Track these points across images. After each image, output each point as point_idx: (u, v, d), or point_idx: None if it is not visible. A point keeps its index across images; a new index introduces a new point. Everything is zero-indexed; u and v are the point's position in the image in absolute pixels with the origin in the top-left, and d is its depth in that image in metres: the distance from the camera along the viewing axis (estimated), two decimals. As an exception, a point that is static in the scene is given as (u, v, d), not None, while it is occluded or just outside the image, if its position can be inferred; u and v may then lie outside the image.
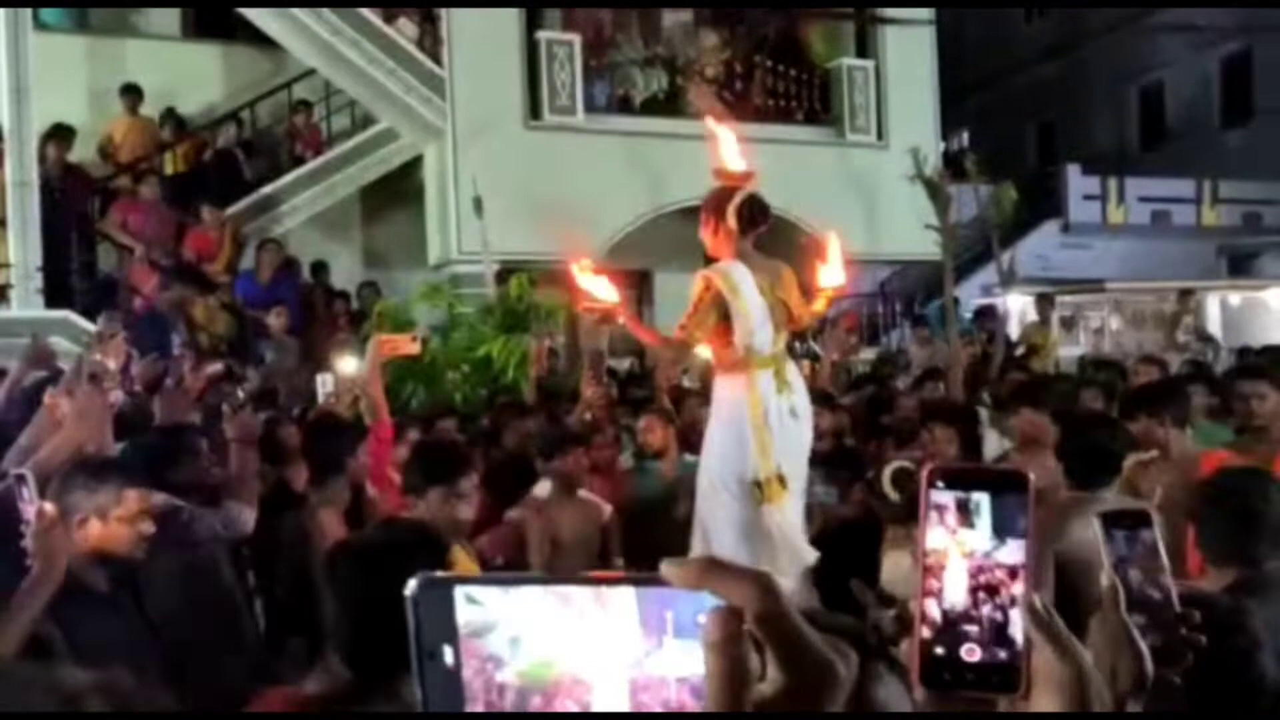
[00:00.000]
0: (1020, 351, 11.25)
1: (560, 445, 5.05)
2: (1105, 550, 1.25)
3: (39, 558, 2.53)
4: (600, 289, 4.66)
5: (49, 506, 2.56)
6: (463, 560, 3.71)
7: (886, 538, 4.25)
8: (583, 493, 5.02)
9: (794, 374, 4.54)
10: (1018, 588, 0.80)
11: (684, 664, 0.66)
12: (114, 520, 2.92)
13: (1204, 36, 21.10)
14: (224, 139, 12.35)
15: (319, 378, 5.93)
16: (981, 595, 0.80)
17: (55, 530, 2.56)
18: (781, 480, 4.37)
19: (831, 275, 4.75)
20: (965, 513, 0.82)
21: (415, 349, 5.20)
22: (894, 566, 3.95)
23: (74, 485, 2.92)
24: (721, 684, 0.63)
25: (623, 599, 0.67)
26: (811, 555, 4.37)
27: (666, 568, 0.66)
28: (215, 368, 6.73)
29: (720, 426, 4.49)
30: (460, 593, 0.68)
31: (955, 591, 0.81)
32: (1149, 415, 4.31)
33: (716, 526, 4.42)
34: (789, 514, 4.42)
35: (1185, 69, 21.79)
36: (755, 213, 4.44)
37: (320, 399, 5.80)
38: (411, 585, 0.68)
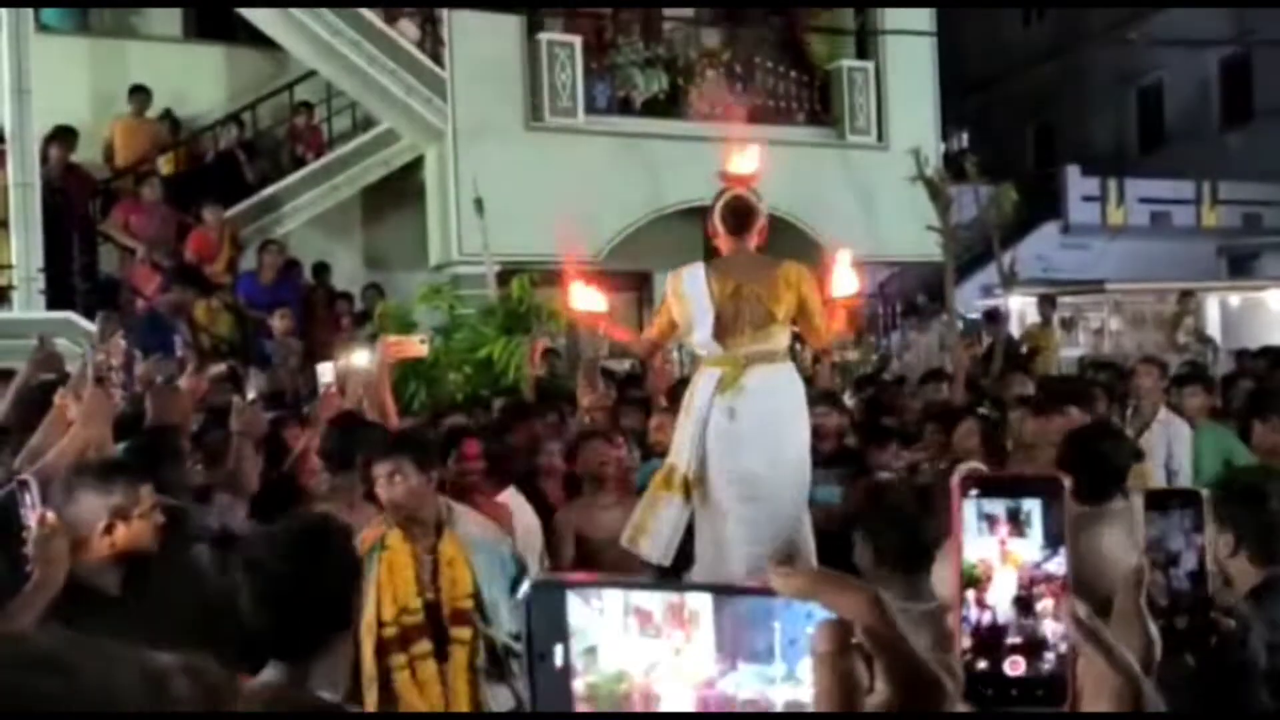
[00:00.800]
0: (1023, 352, 11.29)
1: (578, 445, 5.13)
2: (1141, 531, 1.25)
3: (39, 564, 2.54)
4: (588, 299, 4.77)
5: (51, 514, 2.57)
6: (395, 542, 3.71)
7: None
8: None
9: (757, 377, 4.30)
10: (1062, 597, 0.79)
11: (754, 686, 0.66)
12: (136, 519, 2.93)
13: (1202, 37, 21.12)
14: (225, 140, 12.37)
15: (318, 367, 5.93)
16: (1025, 607, 0.79)
17: (56, 537, 2.57)
18: (687, 481, 4.30)
19: (843, 284, 4.67)
20: (1016, 522, 0.80)
21: (422, 351, 5.21)
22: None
23: (84, 490, 2.89)
24: (830, 697, 0.63)
25: (702, 613, 0.67)
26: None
27: (775, 578, 0.66)
28: (219, 369, 6.74)
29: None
30: (571, 596, 0.68)
31: (1002, 603, 0.79)
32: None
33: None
34: (677, 512, 4.34)
35: (1184, 71, 21.82)
36: (733, 214, 4.41)
37: (320, 389, 5.80)
38: (525, 588, 0.68)
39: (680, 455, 4.38)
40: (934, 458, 5.47)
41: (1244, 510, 2.80)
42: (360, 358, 5.36)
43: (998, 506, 0.79)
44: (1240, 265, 20.31)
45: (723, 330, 4.34)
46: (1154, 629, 0.99)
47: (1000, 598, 0.80)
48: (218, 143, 12.40)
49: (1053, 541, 0.79)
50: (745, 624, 0.66)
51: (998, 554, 0.79)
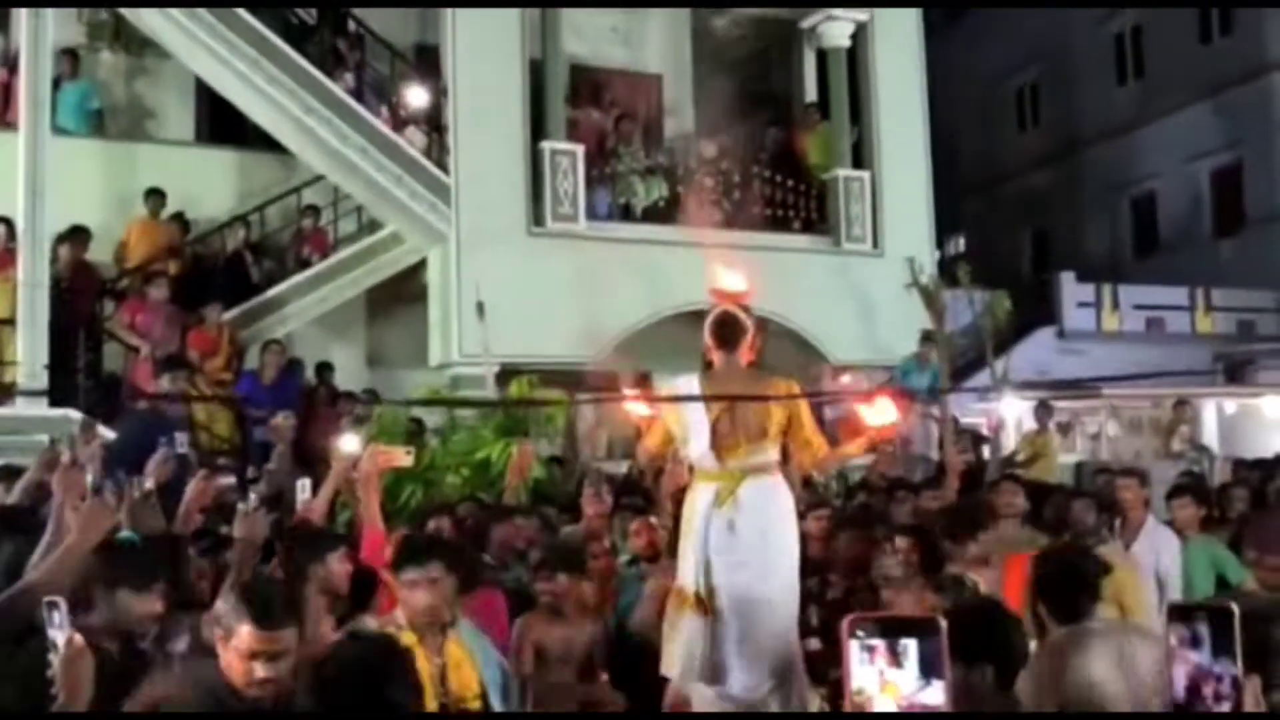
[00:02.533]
0: (1021, 458, 11.32)
1: (553, 568, 5.17)
2: (1167, 641, 1.28)
3: (65, 686, 2.55)
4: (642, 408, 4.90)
5: (78, 636, 2.61)
6: (411, 647, 3.78)
7: None
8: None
9: (752, 489, 4.35)
10: None
11: None
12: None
13: (1194, 148, 21.56)
14: (233, 241, 12.60)
15: (298, 483, 5.98)
16: None
17: (83, 658, 2.59)
18: (701, 600, 4.32)
19: (880, 414, 4.64)
20: (894, 655, 0.92)
21: (408, 462, 5.29)
22: None
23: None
24: None
25: None
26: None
27: None
28: (228, 480, 6.81)
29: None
30: None
31: None
32: None
33: None
34: (699, 631, 4.34)
35: (1177, 179, 22.21)
36: (721, 328, 4.51)
37: (299, 505, 5.85)
38: None
39: (687, 576, 4.42)
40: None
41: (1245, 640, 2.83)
42: (349, 444, 5.42)
43: (878, 642, 0.92)
44: (1236, 372, 20.43)
45: (719, 443, 4.40)
46: None
47: None
48: (225, 244, 12.63)
49: (928, 673, 0.91)
50: None
51: (877, 683, 0.91)
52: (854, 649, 0.93)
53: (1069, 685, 3.52)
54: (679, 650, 4.35)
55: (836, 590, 5.52)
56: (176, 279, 11.52)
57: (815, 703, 4.25)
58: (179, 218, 12.49)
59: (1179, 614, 1.30)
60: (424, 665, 3.81)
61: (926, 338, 12.31)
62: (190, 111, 13.67)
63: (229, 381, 10.97)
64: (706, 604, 4.32)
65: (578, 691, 5.00)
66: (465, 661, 3.99)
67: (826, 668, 4.69)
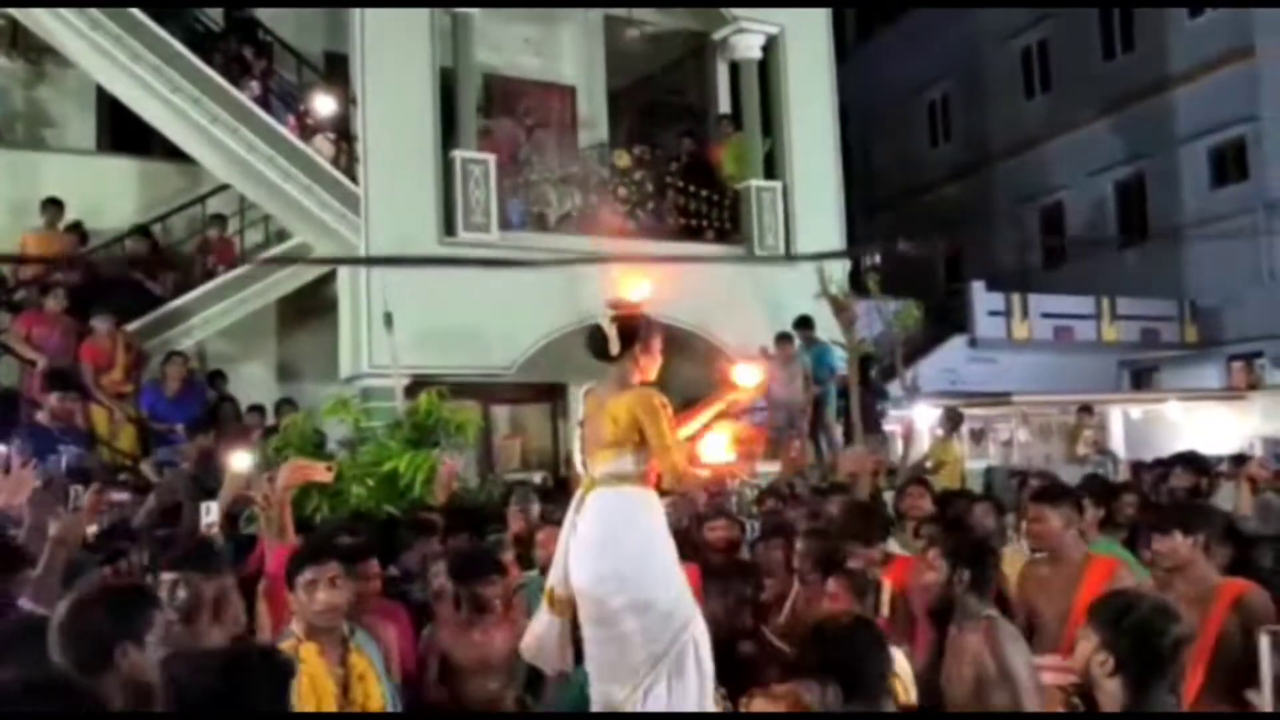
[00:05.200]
0: (929, 465, 11.47)
1: (480, 570, 5.12)
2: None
3: None
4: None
5: None
6: (311, 658, 3.75)
7: None
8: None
9: (600, 497, 4.33)
10: None
11: None
12: None
13: (1099, 161, 22.14)
14: (132, 251, 12.32)
15: (203, 505, 5.86)
16: None
17: None
18: (550, 594, 4.41)
19: (746, 376, 4.76)
20: None
21: (328, 478, 5.21)
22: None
23: None
24: None
25: None
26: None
27: None
28: (122, 496, 6.67)
29: None
30: None
31: None
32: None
33: None
34: (555, 629, 4.42)
35: (1083, 191, 22.78)
36: (591, 342, 4.52)
37: (203, 527, 5.73)
38: None
39: (551, 573, 4.48)
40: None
41: (1132, 643, 2.92)
42: (240, 462, 5.35)
43: None
44: (1141, 378, 21.00)
45: (584, 450, 4.47)
46: None
47: None
48: (125, 254, 12.34)
49: None
50: None
51: None
52: None
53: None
54: (536, 642, 4.44)
55: (768, 594, 5.57)
56: (74, 290, 11.22)
57: (700, 702, 4.22)
58: (77, 227, 12.19)
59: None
60: (323, 677, 3.75)
61: (803, 322, 12.53)
62: (91, 119, 13.37)
63: (129, 394, 10.71)
64: (560, 604, 4.36)
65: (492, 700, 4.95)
66: (369, 673, 3.96)
67: (759, 671, 4.72)
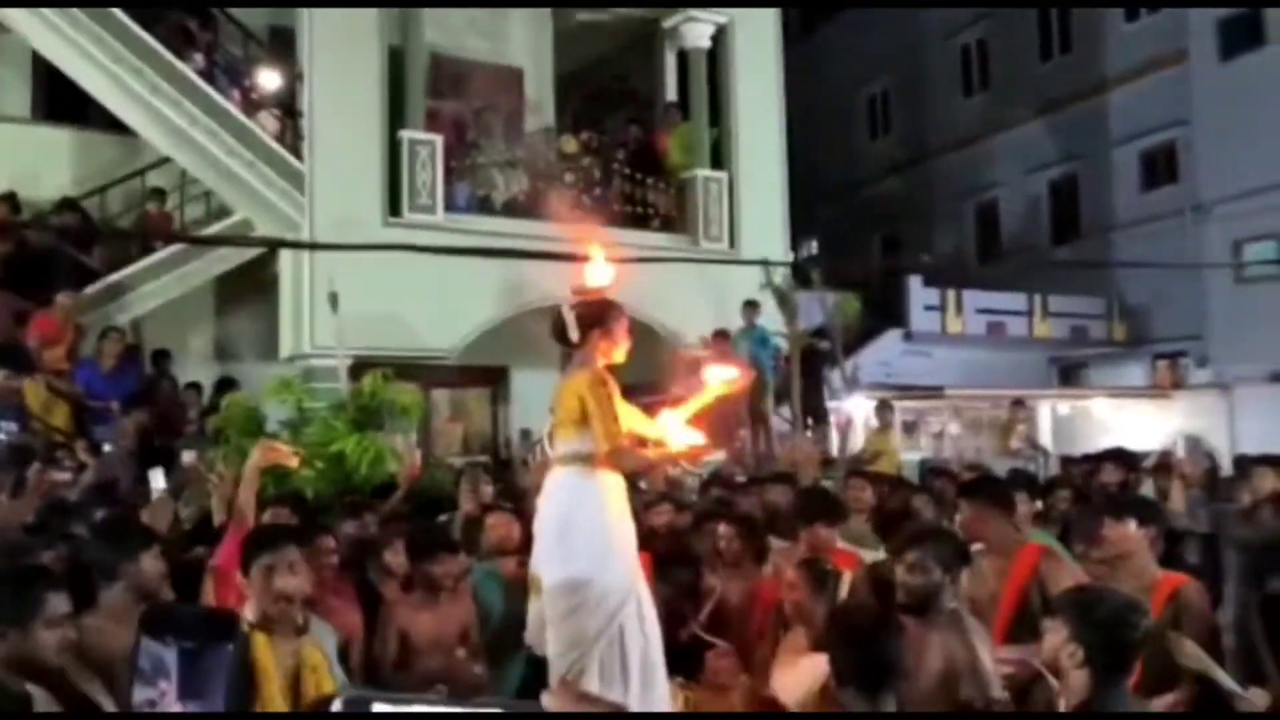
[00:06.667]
0: (866, 455, 11.66)
1: (434, 550, 5.14)
2: None
3: None
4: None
5: None
6: (261, 648, 3.69)
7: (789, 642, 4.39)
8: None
9: (556, 478, 4.44)
10: None
11: None
12: None
13: (1035, 160, 22.54)
14: (67, 223, 12.06)
15: (151, 472, 5.84)
16: None
17: None
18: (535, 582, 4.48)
19: (720, 374, 4.80)
20: None
21: (294, 463, 5.19)
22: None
23: None
24: None
25: None
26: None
27: None
28: (63, 476, 6.61)
29: None
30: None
31: None
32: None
33: None
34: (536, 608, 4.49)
35: (1018, 188, 23.17)
36: (553, 327, 4.59)
37: (153, 494, 5.72)
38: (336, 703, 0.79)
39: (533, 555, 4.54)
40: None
41: (1102, 636, 2.98)
42: (186, 455, 5.36)
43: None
44: (1070, 375, 21.45)
45: (551, 432, 4.59)
46: None
47: None
48: (61, 226, 12.08)
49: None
50: None
51: None
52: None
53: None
54: (533, 625, 4.50)
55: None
56: (5, 262, 10.98)
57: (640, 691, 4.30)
58: (10, 198, 11.90)
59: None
60: (270, 668, 3.71)
61: (748, 304, 12.66)
62: (27, 86, 13.07)
63: (67, 371, 10.50)
64: (535, 584, 4.44)
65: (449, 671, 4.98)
66: (322, 666, 3.89)
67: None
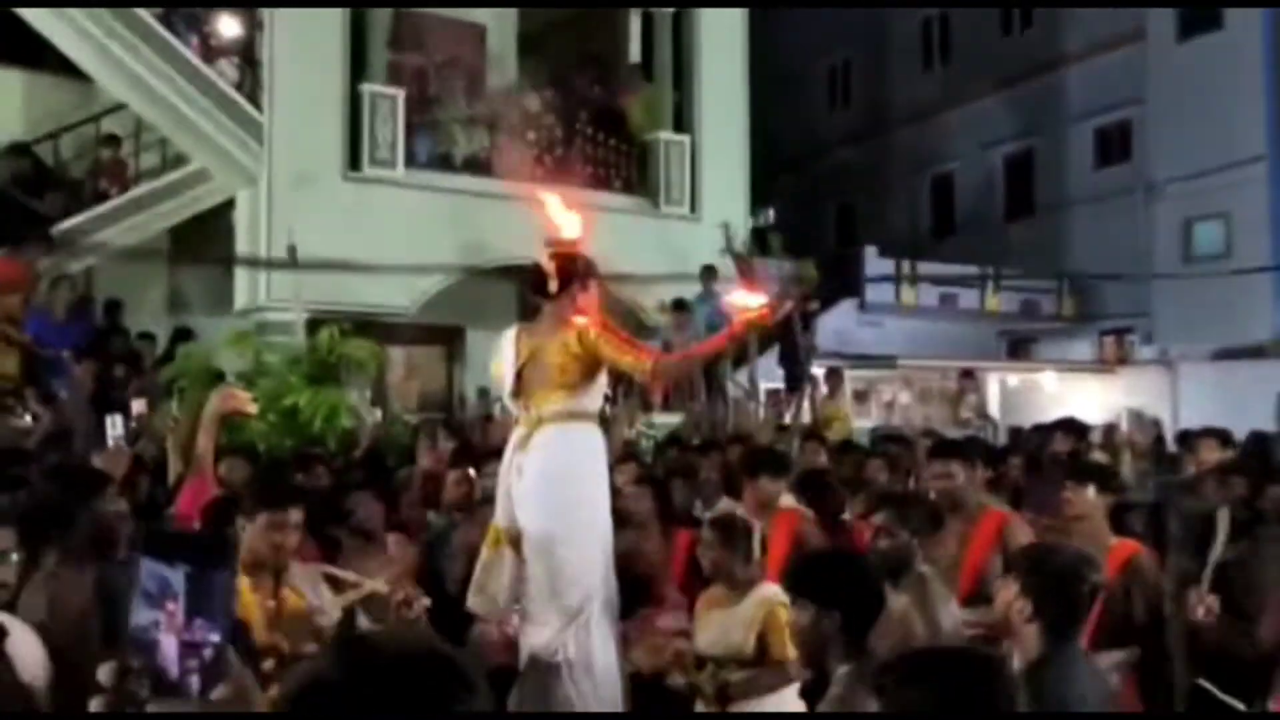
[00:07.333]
0: (821, 421, 11.79)
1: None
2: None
3: None
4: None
5: None
6: (245, 591, 3.70)
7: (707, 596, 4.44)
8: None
9: (546, 435, 4.40)
10: None
11: None
12: None
13: (991, 134, 22.72)
14: (17, 169, 11.83)
15: (108, 418, 5.79)
16: None
17: None
18: (500, 534, 4.46)
19: (747, 300, 4.59)
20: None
21: (254, 410, 5.17)
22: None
23: None
24: None
25: None
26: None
27: None
28: (22, 424, 6.52)
29: None
30: None
31: None
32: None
33: None
34: (507, 566, 4.46)
35: (974, 163, 23.36)
36: (532, 279, 4.58)
37: (110, 441, 5.68)
38: None
39: (498, 513, 4.51)
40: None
41: (1051, 588, 2.96)
42: (137, 404, 5.32)
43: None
44: (1019, 348, 21.75)
45: (521, 390, 4.47)
46: None
47: None
48: (8, 171, 11.83)
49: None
50: None
51: None
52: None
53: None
54: (499, 588, 4.44)
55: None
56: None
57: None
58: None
59: None
60: (254, 609, 3.74)
61: (707, 270, 12.66)
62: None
63: (19, 320, 10.30)
64: (515, 543, 4.41)
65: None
66: (302, 609, 3.94)
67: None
